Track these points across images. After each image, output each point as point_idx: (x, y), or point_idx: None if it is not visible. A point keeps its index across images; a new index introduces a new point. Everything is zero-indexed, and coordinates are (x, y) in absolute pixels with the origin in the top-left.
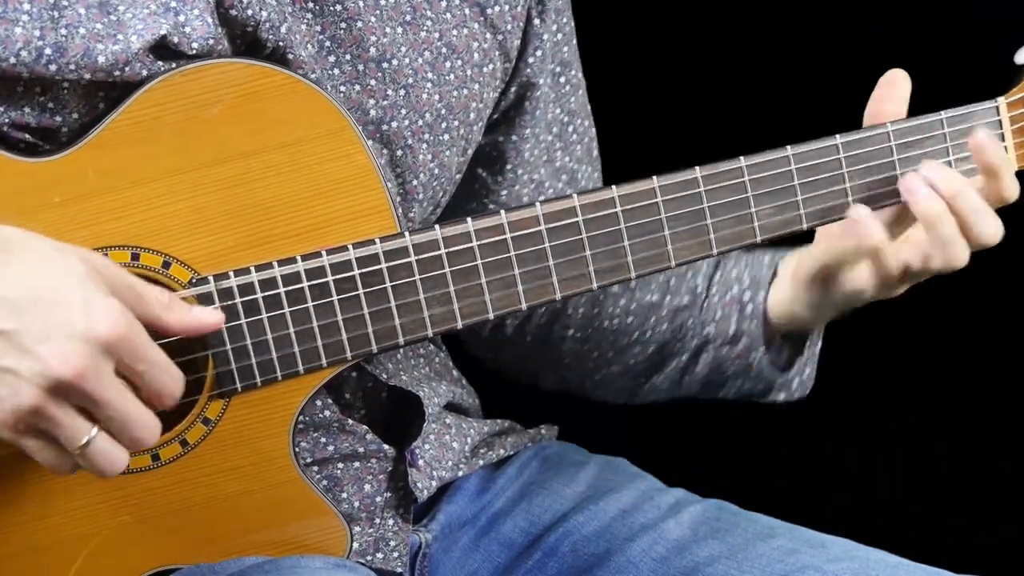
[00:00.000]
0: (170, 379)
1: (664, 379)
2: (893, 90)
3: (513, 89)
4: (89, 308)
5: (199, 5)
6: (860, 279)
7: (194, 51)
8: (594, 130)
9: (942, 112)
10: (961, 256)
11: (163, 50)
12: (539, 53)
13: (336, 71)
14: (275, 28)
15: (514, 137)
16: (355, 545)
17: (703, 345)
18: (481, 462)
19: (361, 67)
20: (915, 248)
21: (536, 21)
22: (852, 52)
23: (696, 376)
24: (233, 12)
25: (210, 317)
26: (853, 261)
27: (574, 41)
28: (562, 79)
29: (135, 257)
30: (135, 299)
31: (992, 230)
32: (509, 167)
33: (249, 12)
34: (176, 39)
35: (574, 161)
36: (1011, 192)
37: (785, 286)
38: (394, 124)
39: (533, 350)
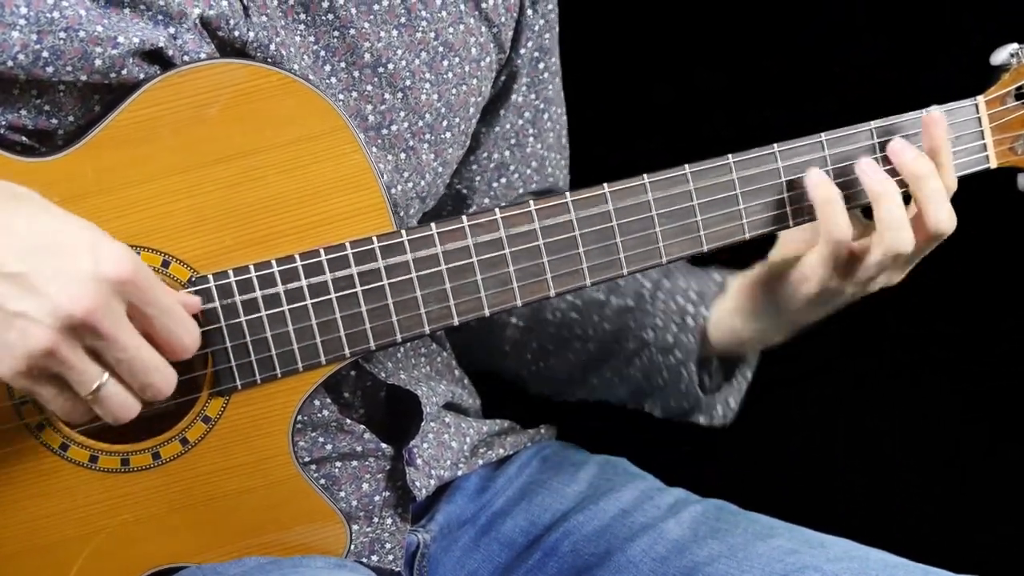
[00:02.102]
0: (183, 327)
1: (598, 379)
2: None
3: (502, 79)
4: (96, 250)
5: (187, 24)
6: (806, 270)
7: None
8: (565, 118)
9: (924, 111)
10: (906, 241)
11: (157, 60)
12: (530, 44)
13: (333, 79)
14: (263, 47)
15: (496, 127)
16: (352, 546)
17: (640, 349)
18: (480, 462)
19: (356, 73)
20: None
21: (529, 12)
22: (816, 40)
23: (629, 380)
24: (220, 33)
25: (190, 299)
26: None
27: (556, 29)
28: (540, 65)
29: None
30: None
31: (946, 216)
32: (483, 152)
33: (236, 33)
34: (171, 52)
35: (545, 148)
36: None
37: (730, 299)
38: (393, 127)
39: (477, 335)
